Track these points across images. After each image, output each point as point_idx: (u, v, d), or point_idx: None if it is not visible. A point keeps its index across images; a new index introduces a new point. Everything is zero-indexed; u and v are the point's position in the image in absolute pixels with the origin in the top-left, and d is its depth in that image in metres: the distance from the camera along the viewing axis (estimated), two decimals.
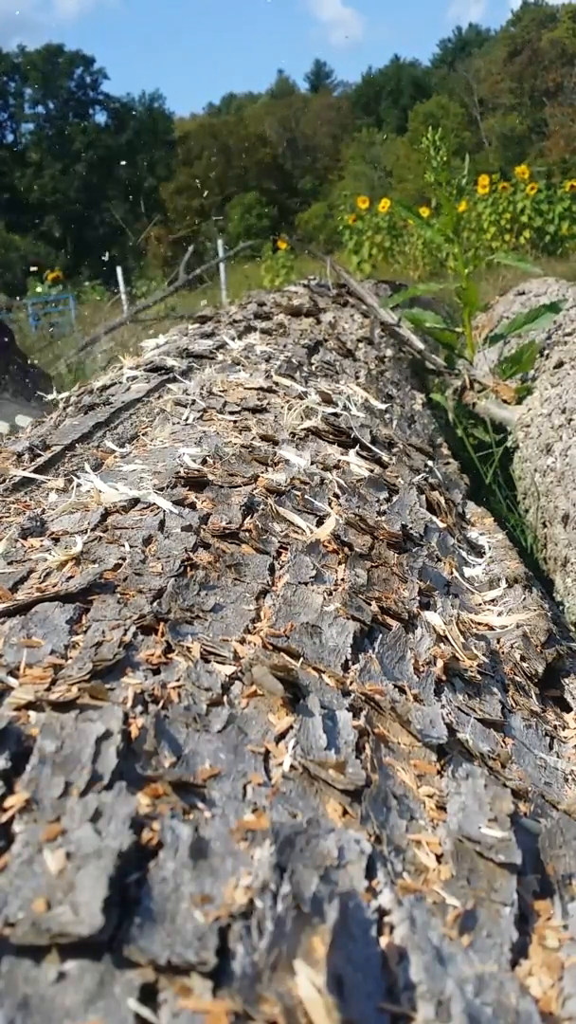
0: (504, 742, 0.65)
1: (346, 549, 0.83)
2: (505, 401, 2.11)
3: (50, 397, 1.58)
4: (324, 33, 78.08)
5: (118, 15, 77.65)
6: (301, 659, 0.61)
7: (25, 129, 34.35)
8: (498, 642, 0.84)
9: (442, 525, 1.12)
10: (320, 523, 0.89)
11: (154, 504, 0.83)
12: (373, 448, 1.25)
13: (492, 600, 0.98)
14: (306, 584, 0.74)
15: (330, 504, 0.95)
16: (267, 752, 0.50)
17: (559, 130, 23.41)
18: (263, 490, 0.92)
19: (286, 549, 0.80)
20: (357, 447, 1.21)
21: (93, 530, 0.76)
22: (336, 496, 0.98)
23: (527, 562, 1.33)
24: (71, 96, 34.18)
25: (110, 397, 1.34)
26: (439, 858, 0.46)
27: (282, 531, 0.84)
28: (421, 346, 2.56)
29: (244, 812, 0.44)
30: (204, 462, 0.97)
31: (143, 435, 1.14)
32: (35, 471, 0.99)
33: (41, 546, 0.75)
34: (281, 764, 0.48)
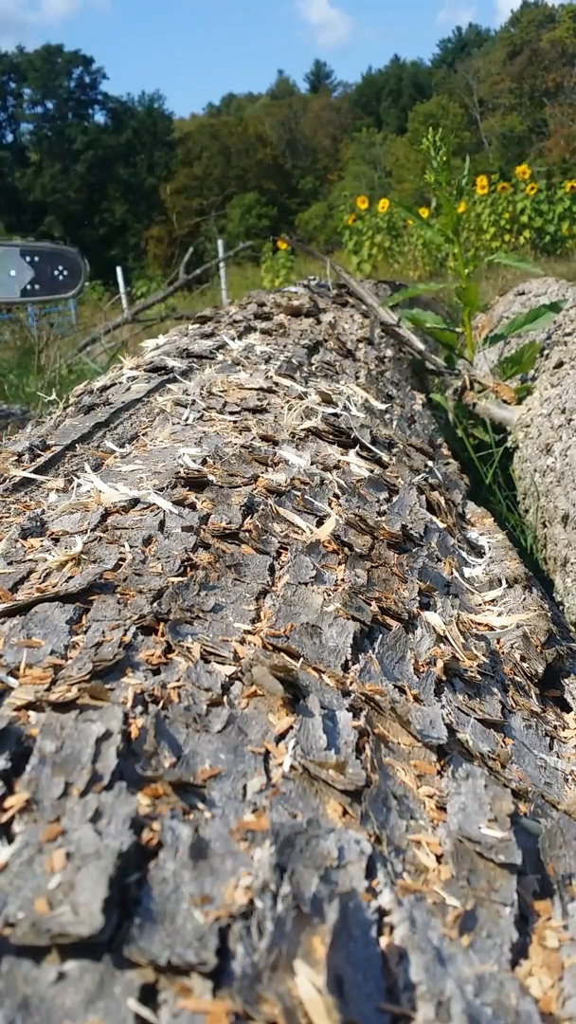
0: (504, 742, 0.65)
1: (346, 549, 0.83)
2: (505, 401, 2.11)
3: (48, 398, 1.58)
4: (312, 35, 78.35)
5: (106, 16, 77.88)
6: (301, 659, 0.61)
7: (25, 129, 34.36)
8: (498, 642, 0.84)
9: (442, 525, 1.12)
10: (320, 523, 0.89)
11: (154, 504, 0.83)
12: (373, 448, 1.25)
13: (492, 600, 0.98)
14: (306, 584, 0.74)
15: (330, 504, 0.95)
16: (267, 752, 0.50)
17: (559, 130, 23.42)
18: (263, 490, 0.92)
19: (286, 549, 0.80)
20: (357, 447, 1.21)
21: (93, 530, 0.77)
22: (336, 496, 0.98)
23: (527, 562, 1.33)
24: (70, 96, 34.20)
25: (110, 397, 1.34)
26: (439, 858, 0.46)
27: (282, 531, 0.84)
28: (421, 346, 2.56)
29: (244, 812, 0.44)
30: (204, 462, 0.97)
31: (143, 435, 1.14)
32: (35, 471, 0.99)
33: (41, 546, 0.75)
34: (281, 764, 0.48)
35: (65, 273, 4.21)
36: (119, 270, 9.42)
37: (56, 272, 4.18)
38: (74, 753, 0.44)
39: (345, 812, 0.46)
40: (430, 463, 1.45)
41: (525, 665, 0.81)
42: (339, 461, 1.11)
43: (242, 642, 0.62)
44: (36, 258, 4.17)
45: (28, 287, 4.15)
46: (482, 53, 32.97)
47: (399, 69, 37.61)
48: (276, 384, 1.41)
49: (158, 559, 0.71)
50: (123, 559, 0.71)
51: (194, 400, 1.27)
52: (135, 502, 0.84)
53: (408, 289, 2.89)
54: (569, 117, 24.11)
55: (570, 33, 26.80)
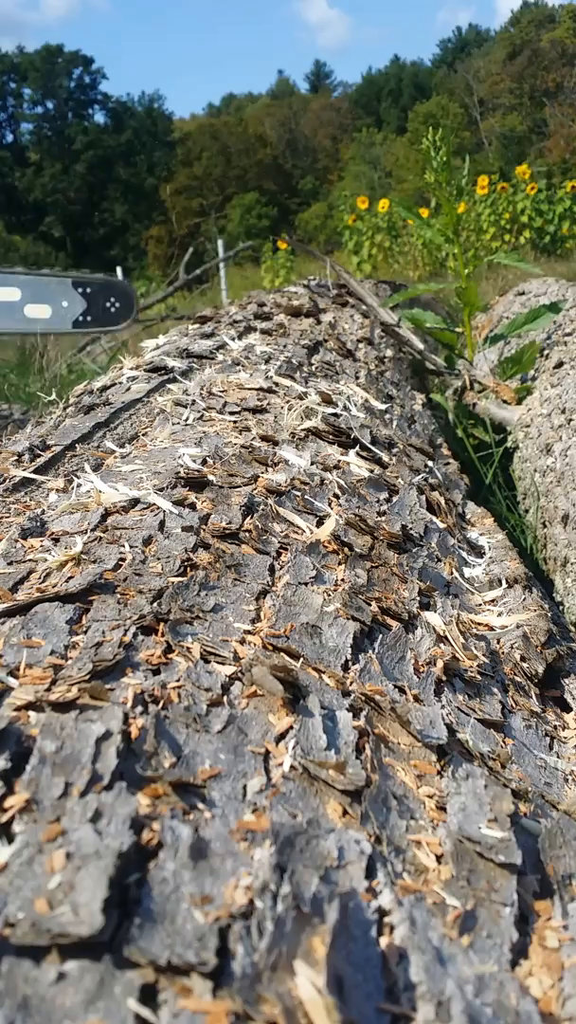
0: (504, 742, 0.65)
1: (346, 549, 0.83)
2: (505, 401, 2.11)
3: (48, 398, 1.57)
4: (312, 35, 78.51)
5: (105, 15, 77.97)
6: (301, 659, 0.61)
7: (25, 129, 34.36)
8: (498, 642, 0.84)
9: (442, 525, 1.12)
10: (320, 523, 0.89)
11: (154, 504, 0.83)
12: (373, 448, 1.25)
13: (492, 600, 0.98)
14: (306, 584, 0.74)
15: (330, 504, 0.95)
16: (267, 752, 0.50)
17: (559, 130, 23.42)
18: (263, 490, 0.92)
19: (286, 549, 0.80)
20: (357, 447, 1.21)
21: (93, 530, 0.76)
22: (336, 496, 0.98)
23: (527, 562, 1.33)
24: (70, 96, 34.20)
25: (110, 397, 1.34)
26: (439, 858, 0.46)
27: (282, 531, 0.84)
28: (421, 346, 2.56)
29: (244, 812, 0.44)
30: (204, 462, 0.97)
31: (143, 435, 1.14)
32: (35, 471, 0.99)
33: (41, 546, 0.75)
34: (281, 764, 0.48)
35: (117, 305, 4.24)
36: (119, 270, 9.42)
37: (108, 304, 4.22)
38: (74, 753, 0.44)
39: (345, 812, 0.46)
40: (430, 463, 1.45)
41: (525, 665, 0.81)
42: (339, 461, 1.11)
43: (242, 642, 0.62)
44: (88, 289, 4.20)
45: (80, 318, 4.19)
46: (482, 53, 32.98)
47: (399, 69, 37.61)
48: (276, 384, 1.41)
49: (158, 559, 0.71)
50: (123, 559, 0.71)
51: (194, 400, 1.27)
52: (135, 502, 0.84)
53: (408, 289, 2.89)
54: (569, 117, 24.11)
55: (570, 33, 26.80)
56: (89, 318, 4.17)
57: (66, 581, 0.66)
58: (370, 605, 0.73)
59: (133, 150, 32.22)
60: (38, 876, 0.36)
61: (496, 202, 9.02)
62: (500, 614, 0.93)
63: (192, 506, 0.84)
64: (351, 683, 0.61)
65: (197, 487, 0.89)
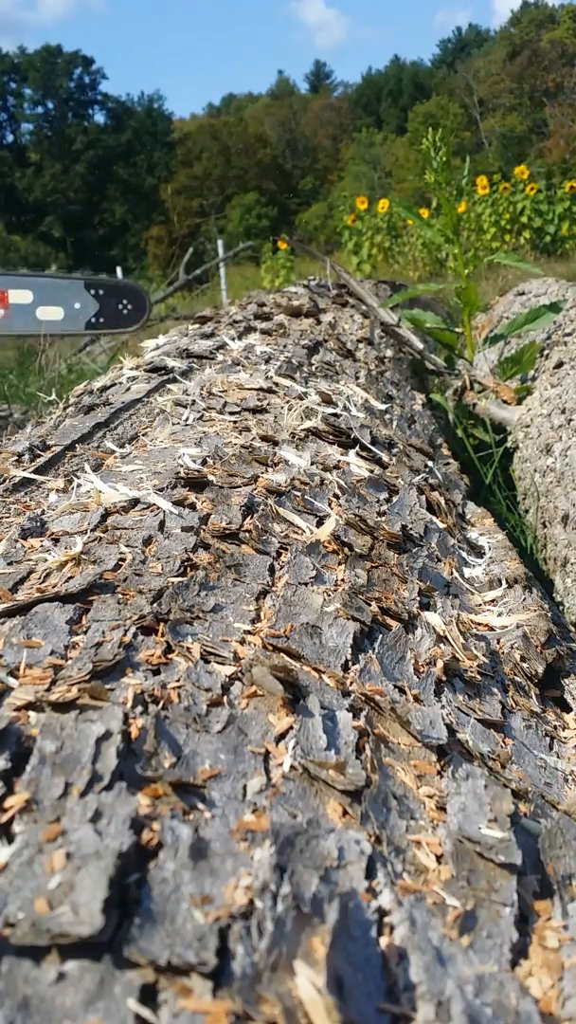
0: (504, 742, 0.65)
1: (346, 549, 0.83)
2: (505, 401, 2.11)
3: (48, 398, 1.57)
4: (310, 36, 78.57)
5: (103, 16, 78.01)
6: (301, 659, 0.61)
7: (25, 129, 34.36)
8: (498, 642, 0.84)
9: (442, 525, 1.12)
10: (320, 523, 0.89)
11: (154, 504, 0.83)
12: (373, 448, 1.25)
13: (492, 600, 0.98)
14: (306, 584, 0.74)
15: (330, 504, 0.95)
16: (267, 752, 0.50)
17: (559, 130, 23.42)
18: (263, 490, 0.92)
19: (286, 549, 0.80)
20: (357, 447, 1.21)
21: (93, 530, 0.77)
22: (336, 496, 0.98)
23: (527, 562, 1.33)
24: (70, 96, 34.21)
25: (110, 397, 1.34)
26: (439, 858, 0.46)
27: (282, 531, 0.84)
28: (421, 346, 2.56)
29: (244, 812, 0.44)
30: (204, 462, 0.97)
31: (143, 435, 1.14)
32: (35, 471, 0.99)
33: (41, 546, 0.75)
34: (281, 764, 0.48)
35: (129, 307, 4.27)
36: (119, 270, 9.42)
37: (120, 306, 4.24)
38: (74, 753, 0.44)
39: (345, 812, 0.46)
40: (430, 463, 1.45)
41: (525, 665, 0.81)
42: (339, 461, 1.11)
43: (242, 642, 0.62)
44: (101, 291, 4.22)
45: (93, 320, 4.22)
46: (482, 53, 32.98)
47: (399, 69, 37.60)
48: (276, 384, 1.41)
49: (158, 559, 0.71)
50: (123, 559, 0.71)
51: (194, 400, 1.27)
52: (135, 502, 0.84)
53: (408, 289, 2.89)
54: (569, 117, 24.11)
55: (570, 33, 26.80)
56: (102, 319, 4.19)
57: (66, 581, 0.66)
58: (370, 605, 0.73)
59: (133, 150, 32.22)
60: (38, 876, 0.36)
61: (497, 202, 9.02)
62: (500, 614, 0.93)
63: (192, 506, 0.84)
64: (351, 683, 0.61)
65: (197, 487, 0.89)
